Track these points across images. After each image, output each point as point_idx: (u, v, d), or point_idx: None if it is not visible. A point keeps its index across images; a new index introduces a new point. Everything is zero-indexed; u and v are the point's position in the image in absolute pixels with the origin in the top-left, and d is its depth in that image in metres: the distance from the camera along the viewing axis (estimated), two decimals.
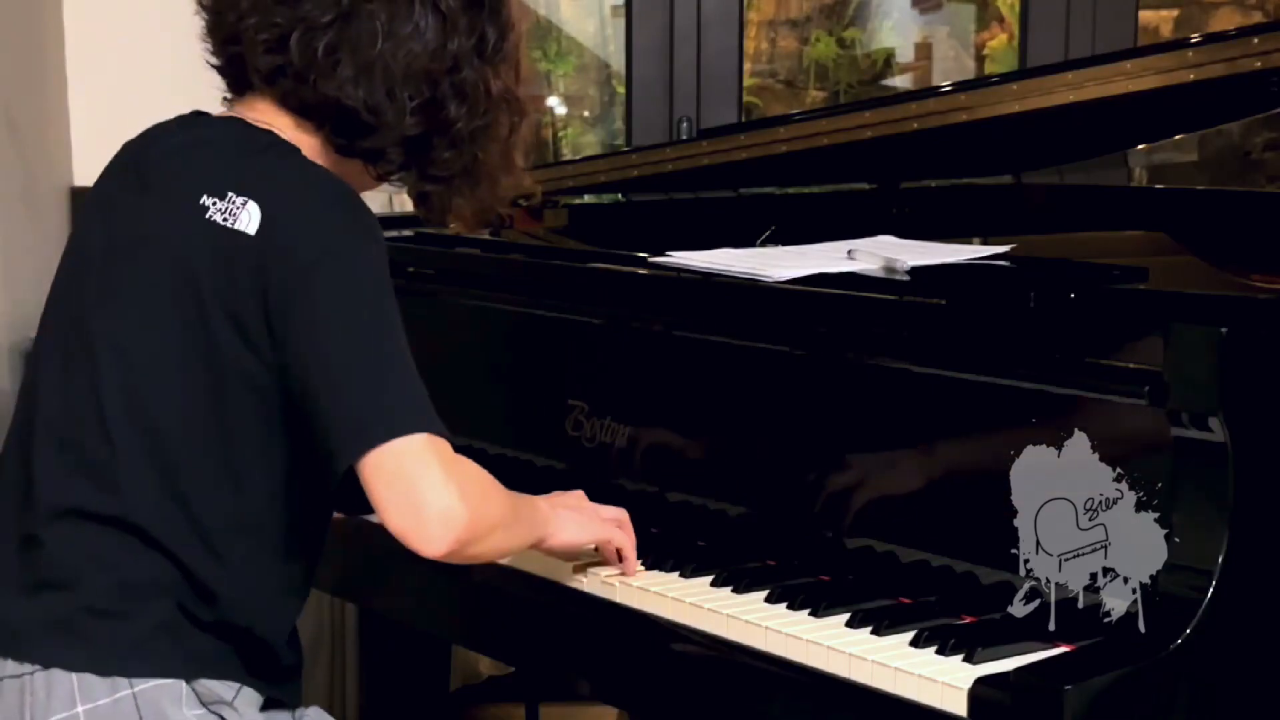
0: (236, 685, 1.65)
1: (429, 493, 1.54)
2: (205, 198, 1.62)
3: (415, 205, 1.80)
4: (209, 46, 1.74)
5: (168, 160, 1.69)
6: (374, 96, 1.66)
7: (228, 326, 1.60)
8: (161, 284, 1.62)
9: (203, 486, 1.62)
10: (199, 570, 1.61)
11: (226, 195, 1.61)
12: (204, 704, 1.62)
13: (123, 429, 1.61)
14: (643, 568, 1.86)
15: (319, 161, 1.70)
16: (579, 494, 1.87)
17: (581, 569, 1.88)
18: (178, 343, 1.61)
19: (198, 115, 1.75)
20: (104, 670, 1.59)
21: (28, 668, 1.61)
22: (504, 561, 1.95)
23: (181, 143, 1.70)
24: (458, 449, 1.59)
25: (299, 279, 1.58)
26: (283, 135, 1.69)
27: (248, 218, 1.60)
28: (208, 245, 1.61)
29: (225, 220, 1.60)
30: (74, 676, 1.59)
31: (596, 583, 1.85)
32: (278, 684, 1.70)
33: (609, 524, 1.85)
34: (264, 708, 1.68)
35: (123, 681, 1.59)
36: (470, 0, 1.70)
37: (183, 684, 1.61)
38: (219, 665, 1.64)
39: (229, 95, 1.76)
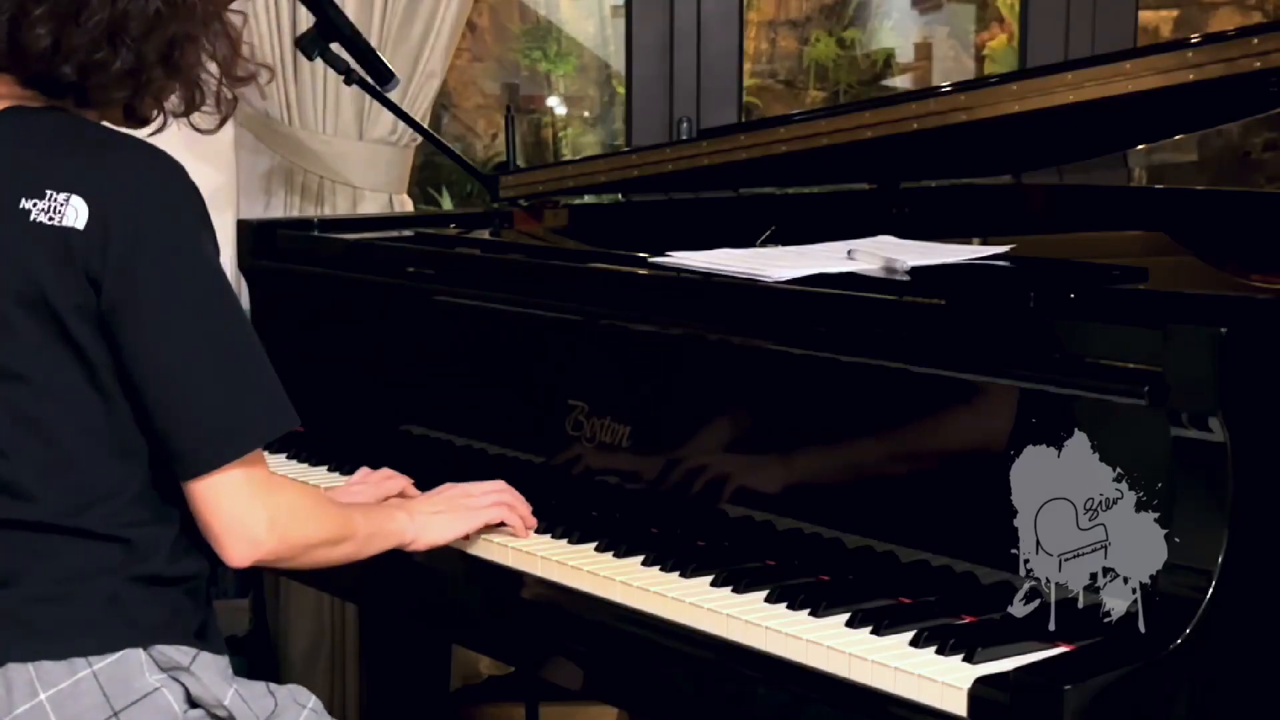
0: (192, 651, 1.66)
1: (234, 520, 1.64)
2: (24, 200, 1.61)
3: (126, 117, 1.72)
4: None
5: None
6: (4, 26, 1.61)
7: (80, 323, 1.60)
8: (9, 295, 1.61)
9: (103, 471, 1.64)
10: (124, 535, 1.64)
11: (45, 193, 1.60)
12: (163, 669, 1.64)
13: (16, 442, 1.63)
14: (641, 565, 1.87)
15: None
16: (457, 490, 1.97)
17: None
18: (43, 347, 1.61)
19: None
20: (58, 654, 1.60)
21: None
22: (506, 562, 1.96)
23: None
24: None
25: (130, 283, 1.59)
26: (65, 110, 1.66)
27: (74, 213, 1.59)
28: (39, 247, 1.59)
29: (51, 219, 1.59)
30: (30, 666, 1.60)
31: (596, 582, 1.85)
32: (221, 643, 1.73)
33: (481, 510, 1.95)
34: (228, 675, 1.69)
35: (80, 662, 1.61)
36: None
37: (140, 651, 1.63)
38: (170, 630, 1.66)
39: None
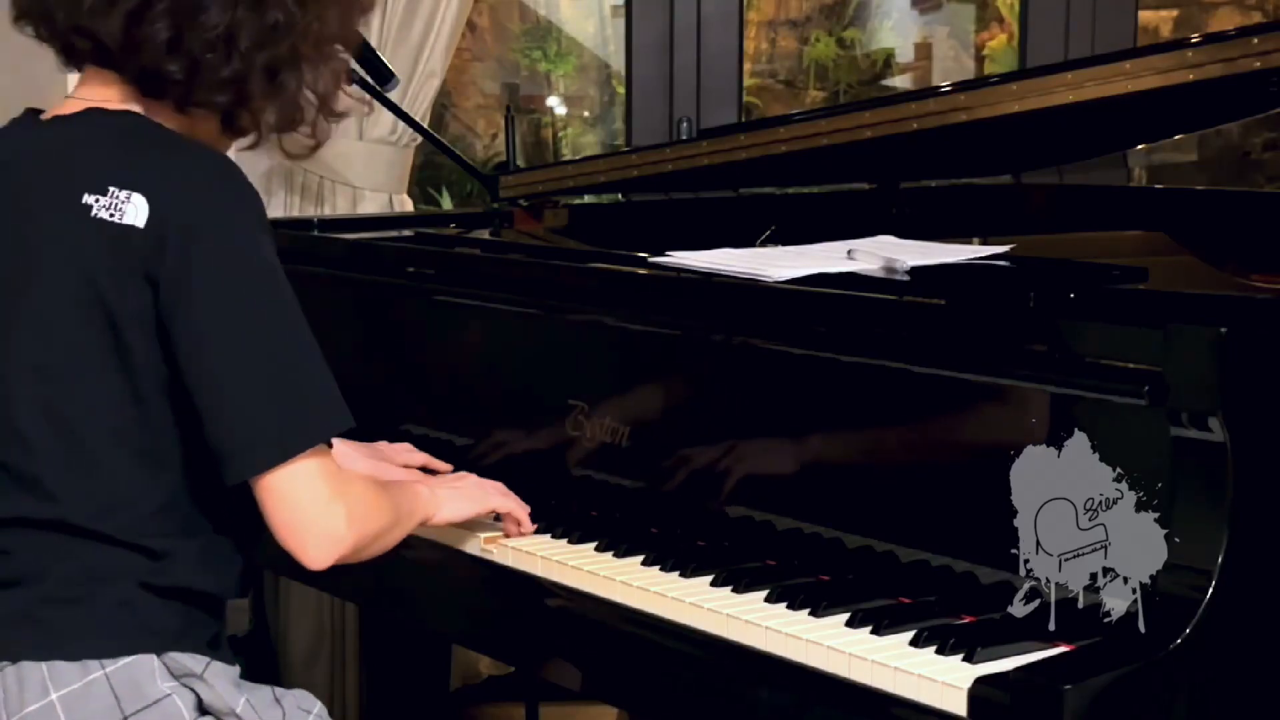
0: (205, 659, 1.66)
1: (315, 515, 1.61)
2: (87, 195, 1.61)
3: (224, 128, 1.73)
4: (26, 29, 1.71)
5: (37, 164, 1.67)
6: (123, 19, 1.62)
7: (132, 324, 1.60)
8: (63, 292, 1.61)
9: (130, 478, 1.63)
10: (145, 542, 1.64)
11: (108, 190, 1.60)
12: (175, 677, 1.64)
13: (44, 440, 1.63)
14: (641, 565, 1.87)
15: (178, 130, 1.69)
16: (462, 475, 2.01)
17: (492, 541, 1.99)
18: (89, 349, 1.61)
19: (35, 113, 1.72)
20: (72, 655, 1.60)
21: None
22: (505, 562, 1.96)
23: (43, 145, 1.68)
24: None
25: (190, 280, 1.58)
26: (142, 113, 1.67)
27: (134, 211, 1.59)
28: (99, 244, 1.60)
29: (112, 215, 1.59)
30: (43, 666, 1.60)
31: (596, 582, 1.85)
32: (235, 654, 1.72)
33: (492, 494, 1.97)
34: (239, 683, 1.69)
35: (93, 664, 1.61)
36: None
37: (153, 658, 1.63)
38: (183, 639, 1.65)
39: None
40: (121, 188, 1.60)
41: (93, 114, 1.68)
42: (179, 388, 1.61)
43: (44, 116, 1.71)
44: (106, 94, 1.68)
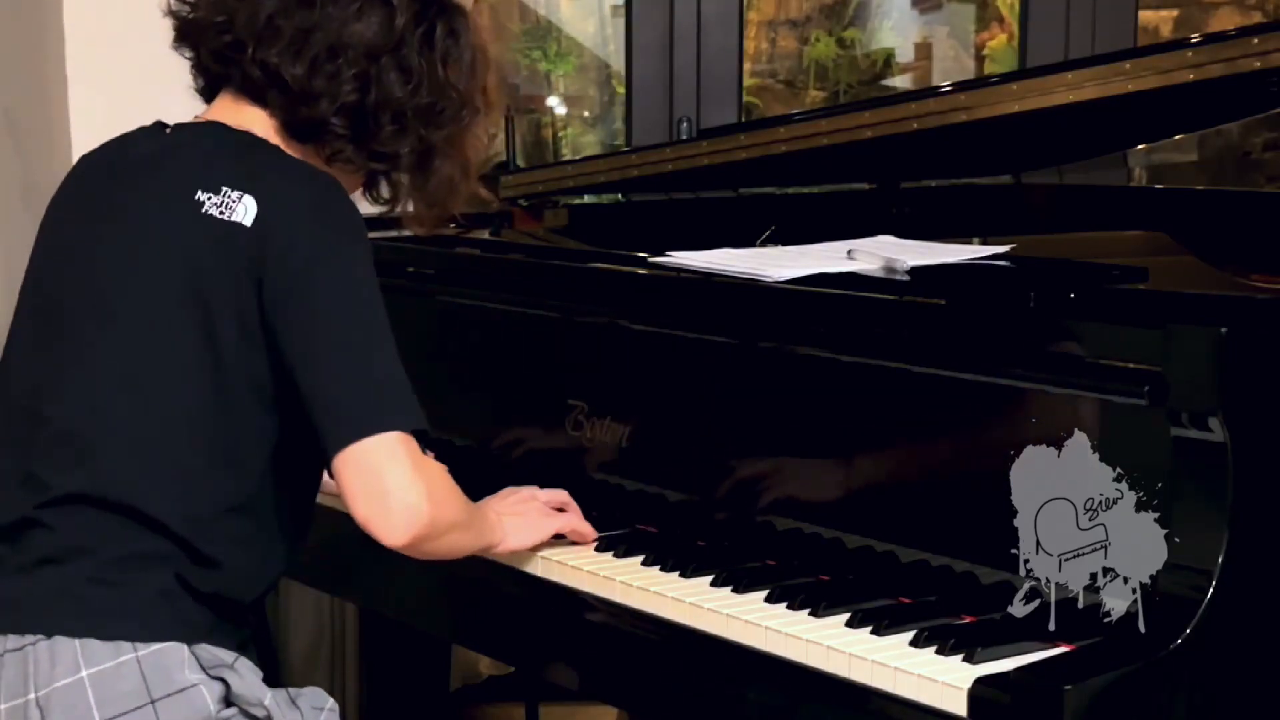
0: (234, 654, 1.69)
1: (396, 487, 1.63)
2: (200, 193, 1.67)
3: (364, 190, 1.84)
4: (184, 50, 1.79)
5: (155, 161, 1.73)
6: (310, 64, 1.71)
7: (229, 319, 1.65)
8: (163, 280, 1.66)
9: (198, 472, 1.66)
10: (198, 544, 1.66)
11: (221, 189, 1.66)
12: (205, 668, 1.65)
13: (122, 420, 1.66)
14: (641, 565, 1.87)
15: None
16: (524, 494, 1.95)
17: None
18: (181, 337, 1.66)
19: (163, 125, 1.78)
20: (106, 635, 1.62)
21: (29, 639, 1.63)
22: (505, 562, 1.96)
23: (163, 146, 1.75)
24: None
25: (295, 277, 1.63)
26: (261, 135, 1.73)
27: (244, 210, 1.65)
28: (205, 238, 1.65)
29: (222, 213, 1.65)
30: (77, 642, 1.62)
31: (596, 582, 1.85)
32: (260, 655, 1.75)
33: (553, 518, 1.93)
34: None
35: (126, 646, 1.62)
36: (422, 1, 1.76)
37: (185, 648, 1.65)
38: (216, 633, 1.68)
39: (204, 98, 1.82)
40: (234, 188, 1.66)
41: (216, 125, 1.74)
42: (266, 392, 1.65)
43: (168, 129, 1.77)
44: (239, 120, 1.74)
